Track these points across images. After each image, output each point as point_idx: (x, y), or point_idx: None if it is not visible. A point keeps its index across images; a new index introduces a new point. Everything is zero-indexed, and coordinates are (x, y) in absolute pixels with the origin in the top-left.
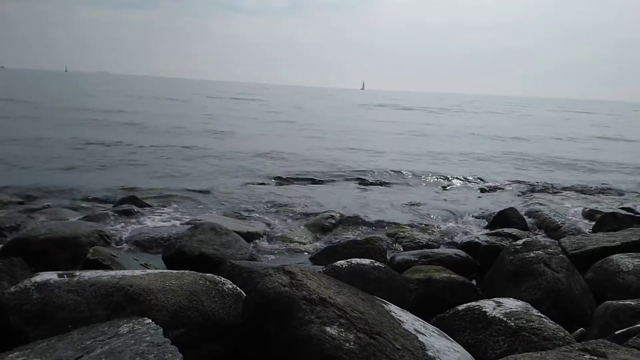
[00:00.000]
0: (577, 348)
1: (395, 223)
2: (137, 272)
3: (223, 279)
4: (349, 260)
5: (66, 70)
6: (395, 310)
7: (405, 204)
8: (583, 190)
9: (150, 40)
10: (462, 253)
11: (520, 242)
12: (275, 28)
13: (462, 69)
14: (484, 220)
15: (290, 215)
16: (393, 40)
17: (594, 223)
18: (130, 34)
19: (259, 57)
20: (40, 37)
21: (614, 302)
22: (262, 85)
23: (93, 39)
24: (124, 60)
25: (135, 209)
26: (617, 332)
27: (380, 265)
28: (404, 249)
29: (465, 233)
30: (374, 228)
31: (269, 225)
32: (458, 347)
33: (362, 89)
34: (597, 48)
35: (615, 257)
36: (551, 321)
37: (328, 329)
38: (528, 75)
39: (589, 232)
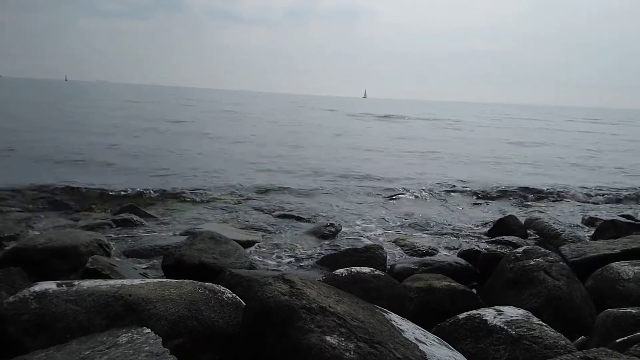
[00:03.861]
0: (578, 357)
1: (395, 231)
2: (136, 282)
3: (222, 288)
4: (348, 268)
5: (66, 79)
6: (395, 319)
7: (406, 213)
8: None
9: (148, 49)
10: (462, 261)
11: (520, 249)
12: (274, 37)
13: (464, 77)
14: (484, 228)
15: (290, 223)
16: (394, 48)
17: (593, 230)
18: (128, 43)
19: (258, 66)
20: (37, 46)
21: (615, 310)
22: (264, 94)
23: (91, 48)
24: (122, 69)
25: (135, 217)
26: (618, 341)
27: (380, 273)
28: (404, 257)
29: (465, 241)
30: (373, 236)
31: (268, 233)
32: (459, 356)
33: (364, 97)
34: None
35: (615, 264)
36: (552, 329)
37: (328, 338)
38: (528, 84)
39: (589, 239)
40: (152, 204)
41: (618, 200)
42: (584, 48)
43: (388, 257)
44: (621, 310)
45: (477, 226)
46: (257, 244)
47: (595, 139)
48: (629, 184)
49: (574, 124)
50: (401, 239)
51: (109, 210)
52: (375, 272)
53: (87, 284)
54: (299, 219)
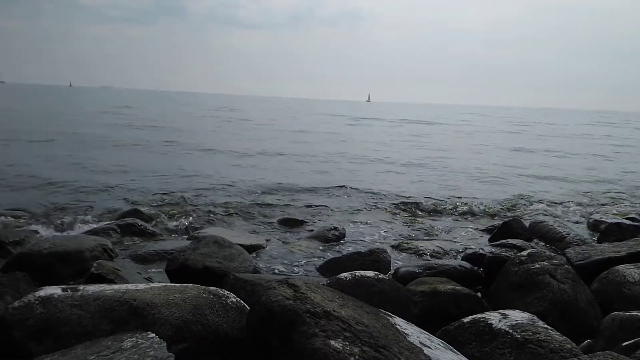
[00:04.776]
0: None
1: (399, 234)
2: (141, 286)
3: (227, 292)
4: (352, 272)
5: (70, 85)
6: (400, 323)
7: (410, 218)
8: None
9: (152, 55)
10: (467, 264)
11: (525, 253)
12: (276, 42)
13: (467, 79)
14: (488, 232)
15: (293, 227)
16: (396, 51)
17: (598, 234)
18: (132, 49)
19: (261, 70)
20: (42, 52)
21: (621, 313)
22: (268, 98)
23: (96, 54)
24: (126, 74)
25: (139, 222)
26: (624, 344)
27: (384, 277)
28: (408, 261)
29: (470, 244)
30: (377, 240)
31: (272, 237)
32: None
33: (368, 101)
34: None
35: (621, 267)
36: (557, 333)
37: (332, 342)
38: (527, 86)
39: (594, 242)
40: (155, 209)
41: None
42: (588, 51)
43: (392, 260)
44: (627, 313)
45: (482, 230)
46: (261, 248)
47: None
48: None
49: (591, 128)
50: (405, 243)
51: (113, 216)
52: (379, 276)
53: (92, 288)
54: (302, 223)
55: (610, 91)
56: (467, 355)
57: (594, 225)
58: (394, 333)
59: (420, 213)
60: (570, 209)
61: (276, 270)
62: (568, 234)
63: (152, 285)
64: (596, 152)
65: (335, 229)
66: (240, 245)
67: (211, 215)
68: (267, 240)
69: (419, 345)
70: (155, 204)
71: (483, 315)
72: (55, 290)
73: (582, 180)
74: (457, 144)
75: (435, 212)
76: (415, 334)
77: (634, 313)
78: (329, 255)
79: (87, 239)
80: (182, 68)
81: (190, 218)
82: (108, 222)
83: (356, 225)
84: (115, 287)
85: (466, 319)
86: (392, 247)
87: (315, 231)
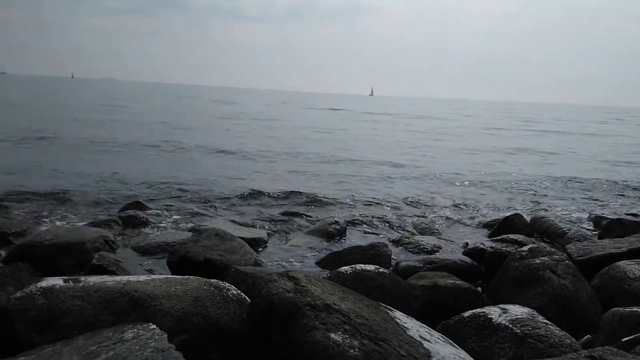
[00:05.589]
0: (583, 355)
1: (399, 229)
2: (142, 278)
3: (228, 284)
4: (353, 266)
5: (72, 77)
6: (400, 316)
7: (410, 211)
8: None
9: (154, 47)
10: (467, 259)
11: (525, 248)
12: (279, 35)
13: (469, 74)
14: (489, 227)
15: (295, 221)
16: (399, 45)
17: (600, 229)
18: (134, 41)
19: (263, 63)
20: (44, 44)
21: (621, 309)
22: (271, 91)
23: (97, 45)
24: (129, 66)
25: (140, 214)
26: (624, 340)
27: (385, 271)
28: (409, 255)
29: (470, 239)
30: (378, 234)
31: (273, 231)
32: (463, 354)
33: (371, 94)
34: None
35: (621, 263)
36: (557, 328)
37: (332, 335)
38: (526, 81)
39: (595, 238)
40: (157, 202)
41: None
42: (590, 50)
43: (392, 255)
44: (627, 309)
45: (483, 225)
46: (262, 241)
47: None
48: None
49: (595, 125)
50: (406, 238)
51: (115, 207)
52: (380, 270)
53: (94, 280)
54: (304, 216)
55: (612, 88)
56: (467, 350)
57: (595, 221)
58: (393, 326)
59: (421, 209)
60: (572, 205)
61: (277, 264)
62: (569, 230)
63: (153, 277)
64: (597, 149)
65: (337, 223)
66: (242, 238)
67: (213, 208)
68: (269, 234)
69: (418, 338)
70: (157, 197)
71: (483, 310)
72: (57, 281)
73: (584, 177)
74: (462, 141)
75: (436, 208)
76: (414, 327)
77: (634, 309)
78: (330, 249)
79: (89, 231)
80: (185, 60)
81: (192, 211)
82: (110, 214)
83: (357, 220)
84: (117, 278)
85: (466, 314)
86: (393, 241)
87: (316, 225)
